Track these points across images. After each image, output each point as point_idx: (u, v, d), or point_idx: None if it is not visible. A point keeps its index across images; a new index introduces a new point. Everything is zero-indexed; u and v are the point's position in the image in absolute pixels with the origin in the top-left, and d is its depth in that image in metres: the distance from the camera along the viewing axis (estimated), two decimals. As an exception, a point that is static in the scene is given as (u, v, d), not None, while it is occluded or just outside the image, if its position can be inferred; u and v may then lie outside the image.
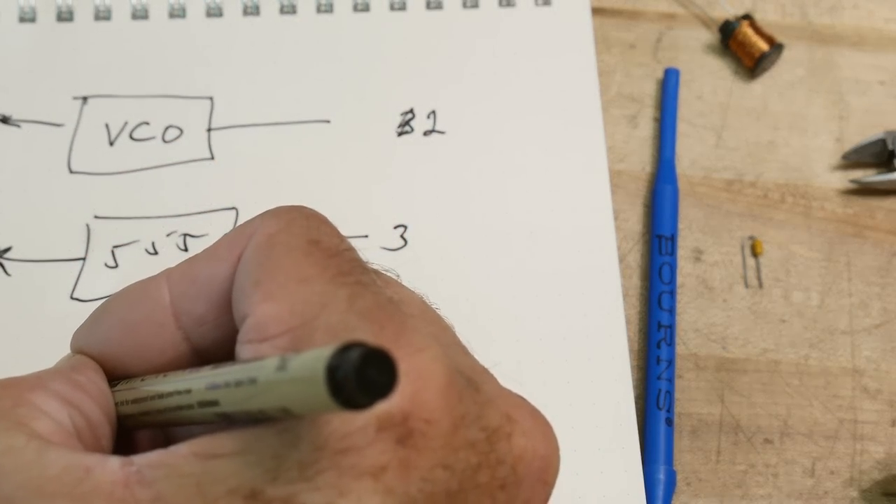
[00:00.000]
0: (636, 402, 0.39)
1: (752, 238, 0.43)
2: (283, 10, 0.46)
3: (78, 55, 0.45)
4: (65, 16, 0.46)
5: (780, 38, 0.47)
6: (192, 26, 0.46)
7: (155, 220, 0.41)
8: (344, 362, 0.19)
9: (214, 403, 0.23)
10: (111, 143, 0.43)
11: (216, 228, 0.41)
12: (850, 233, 0.44)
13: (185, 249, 0.41)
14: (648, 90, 0.46)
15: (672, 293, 0.41)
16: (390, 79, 0.45)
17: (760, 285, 0.42)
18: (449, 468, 0.23)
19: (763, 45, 0.46)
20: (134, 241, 0.41)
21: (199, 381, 0.24)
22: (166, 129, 0.43)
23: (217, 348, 0.27)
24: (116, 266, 0.40)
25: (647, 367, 0.40)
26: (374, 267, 0.27)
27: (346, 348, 0.19)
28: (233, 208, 0.42)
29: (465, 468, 0.23)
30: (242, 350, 0.24)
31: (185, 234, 0.41)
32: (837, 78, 0.47)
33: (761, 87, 0.47)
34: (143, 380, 0.27)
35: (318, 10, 0.46)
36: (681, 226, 0.43)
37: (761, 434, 0.40)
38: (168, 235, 0.41)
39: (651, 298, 0.41)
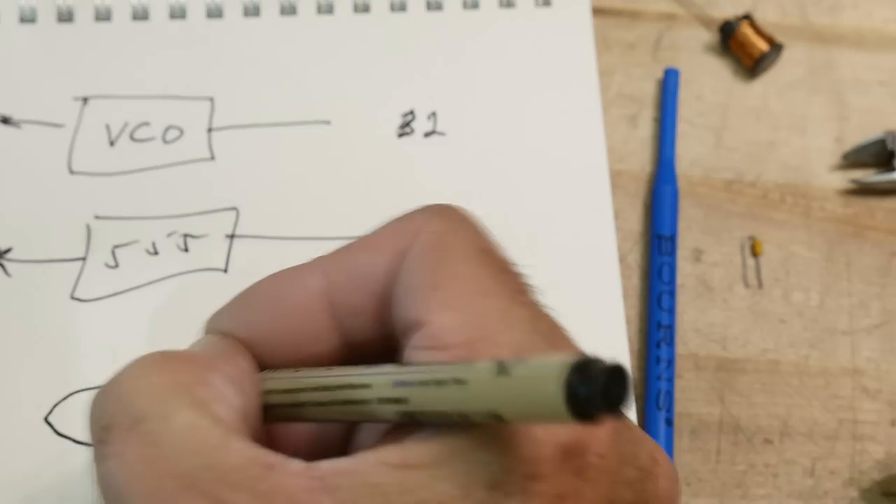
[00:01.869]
0: (636, 403, 0.39)
1: (751, 238, 0.43)
2: (283, 11, 0.46)
3: (78, 55, 0.45)
4: (65, 16, 0.46)
5: (779, 38, 0.47)
6: (192, 27, 0.46)
7: (155, 221, 0.41)
8: (589, 377, 0.19)
9: (401, 401, 0.23)
10: (111, 144, 0.43)
11: (216, 228, 0.41)
12: (850, 233, 0.44)
13: (186, 250, 0.41)
14: (648, 90, 0.46)
15: (672, 293, 0.41)
16: (390, 80, 0.45)
17: (760, 285, 0.42)
18: (612, 502, 0.23)
19: (763, 46, 0.46)
20: (134, 242, 0.41)
21: (381, 377, 0.23)
22: (167, 129, 0.44)
23: (367, 343, 0.26)
24: (117, 266, 0.40)
25: (646, 367, 0.40)
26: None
27: (588, 362, 0.19)
28: (233, 208, 0.42)
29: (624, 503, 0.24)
30: (416, 356, 0.24)
31: (185, 235, 0.41)
32: (837, 78, 0.47)
33: (761, 87, 0.47)
34: (297, 371, 0.26)
35: (318, 10, 0.47)
36: (680, 226, 0.43)
37: (761, 434, 0.40)
38: (168, 235, 0.41)
39: (651, 298, 0.41)
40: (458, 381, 0.21)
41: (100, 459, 0.23)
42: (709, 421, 0.40)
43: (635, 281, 0.42)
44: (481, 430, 0.22)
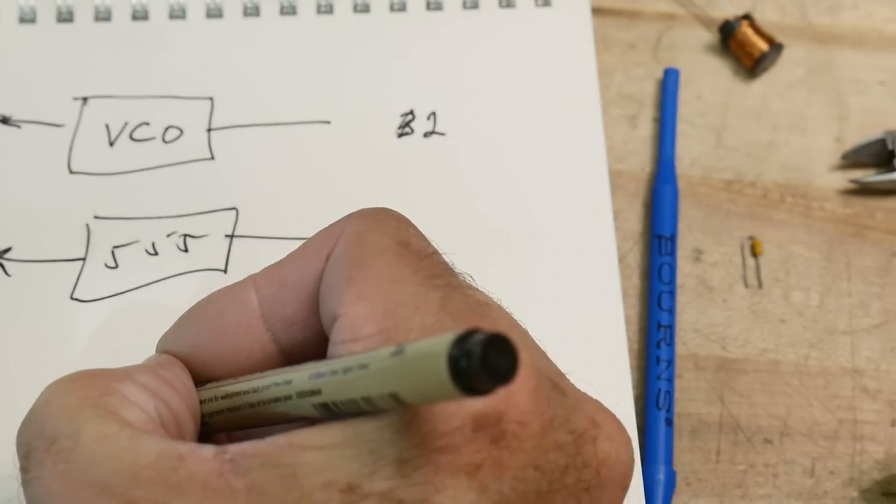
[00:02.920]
0: (636, 402, 0.39)
1: (751, 238, 0.43)
2: (283, 11, 0.46)
3: (78, 55, 0.45)
4: (65, 16, 0.46)
5: (779, 38, 0.47)
6: (192, 27, 0.46)
7: (155, 221, 0.41)
8: (467, 348, 0.19)
9: (315, 393, 0.23)
10: (111, 144, 0.43)
11: (216, 228, 0.41)
12: (850, 233, 0.44)
13: (185, 250, 0.41)
14: (648, 90, 0.46)
15: (672, 293, 0.41)
16: (390, 80, 0.45)
17: (760, 285, 0.42)
18: (539, 469, 0.23)
19: (763, 45, 0.46)
20: (134, 242, 0.41)
21: (301, 372, 0.24)
22: (166, 129, 0.44)
23: (304, 348, 0.27)
24: (116, 266, 0.40)
25: (646, 367, 0.40)
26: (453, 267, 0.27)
27: (466, 335, 0.19)
28: (233, 208, 0.42)
29: (554, 469, 0.24)
30: (337, 349, 0.24)
31: (185, 235, 0.41)
32: (837, 78, 0.47)
33: (761, 87, 0.47)
34: (234, 379, 0.27)
35: (318, 10, 0.47)
36: (680, 226, 0.43)
37: (761, 434, 0.40)
38: (168, 236, 0.41)
39: (651, 298, 0.41)
40: (360, 367, 0.22)
41: (25, 485, 0.25)
42: (709, 421, 0.40)
43: (635, 281, 0.42)
44: (391, 413, 0.23)
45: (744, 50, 0.46)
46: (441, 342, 0.19)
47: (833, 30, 0.48)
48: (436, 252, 0.27)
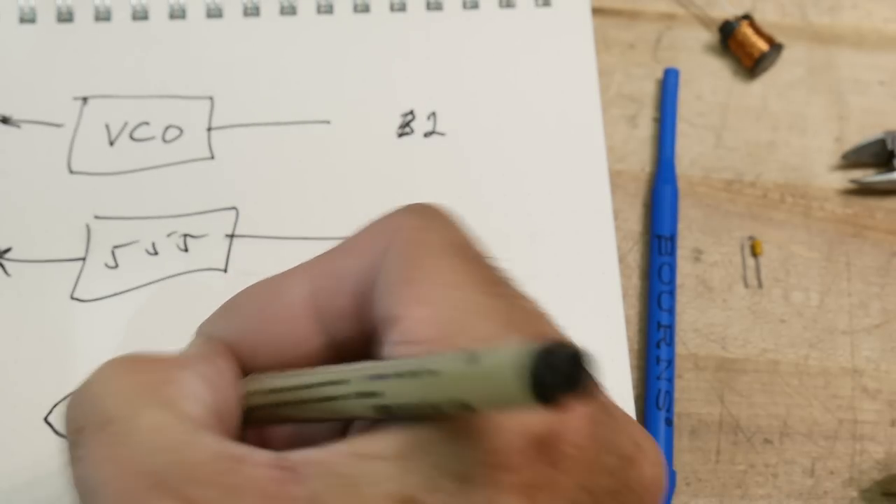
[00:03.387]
0: (636, 402, 0.39)
1: (751, 238, 0.43)
2: (282, 11, 0.46)
3: (78, 55, 0.45)
4: (65, 16, 0.46)
5: (779, 38, 0.47)
6: (192, 27, 0.46)
7: (155, 220, 0.41)
8: (552, 363, 0.19)
9: (376, 395, 0.23)
10: (111, 144, 0.43)
11: (216, 228, 0.41)
12: (850, 233, 0.44)
13: (185, 250, 0.41)
14: (648, 90, 0.46)
15: (672, 293, 0.41)
16: (390, 80, 0.45)
17: (760, 285, 0.42)
18: (591, 492, 0.23)
19: (762, 45, 0.46)
20: (134, 242, 0.41)
21: (358, 372, 0.24)
22: (166, 128, 0.44)
23: (353, 342, 0.27)
24: (116, 266, 0.40)
25: (646, 367, 0.40)
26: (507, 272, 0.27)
27: (551, 349, 0.19)
28: (233, 208, 0.42)
29: (603, 493, 0.24)
30: (394, 350, 0.24)
31: (185, 235, 0.41)
32: (837, 78, 0.47)
33: (761, 87, 0.47)
34: (282, 373, 0.26)
35: (318, 10, 0.47)
36: (680, 226, 0.43)
37: (761, 434, 0.40)
38: (168, 235, 0.41)
39: (650, 298, 0.41)
40: (429, 372, 0.21)
41: (72, 462, 0.24)
42: (709, 421, 0.40)
43: (635, 281, 0.42)
44: (452, 423, 0.22)
45: (744, 50, 0.46)
46: (521, 353, 0.19)
47: (833, 30, 0.48)
48: (490, 256, 0.26)
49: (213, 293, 0.40)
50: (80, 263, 0.40)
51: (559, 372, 0.19)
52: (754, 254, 0.43)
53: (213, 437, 0.23)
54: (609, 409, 0.25)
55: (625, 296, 0.41)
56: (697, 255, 0.43)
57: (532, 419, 0.22)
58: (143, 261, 0.40)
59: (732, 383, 0.40)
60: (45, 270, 0.40)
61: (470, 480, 0.22)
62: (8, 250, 0.40)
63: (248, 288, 0.28)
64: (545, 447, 0.23)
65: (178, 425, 0.23)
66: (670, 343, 0.40)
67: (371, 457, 0.22)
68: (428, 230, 0.26)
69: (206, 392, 0.25)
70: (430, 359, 0.22)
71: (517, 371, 0.19)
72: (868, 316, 0.42)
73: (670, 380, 0.39)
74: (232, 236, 0.41)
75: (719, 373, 0.41)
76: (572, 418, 0.23)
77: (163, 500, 0.22)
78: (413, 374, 0.22)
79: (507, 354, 0.20)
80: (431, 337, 0.24)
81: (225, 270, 0.40)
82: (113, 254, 0.41)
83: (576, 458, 0.23)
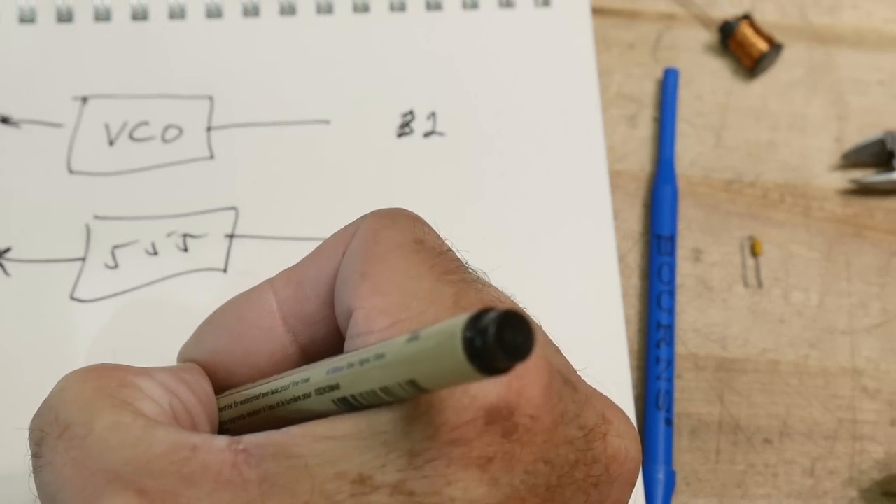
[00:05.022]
0: (635, 402, 0.39)
1: (751, 238, 0.43)
2: (282, 11, 0.46)
3: (78, 55, 0.45)
4: (65, 16, 0.46)
5: (779, 38, 0.47)
6: (192, 27, 0.46)
7: (155, 220, 0.41)
8: (481, 326, 0.19)
9: (334, 388, 0.23)
10: (111, 143, 0.43)
11: (216, 228, 0.41)
12: (850, 233, 0.44)
13: (185, 249, 0.41)
14: (648, 90, 0.46)
15: (671, 293, 0.41)
16: (390, 80, 0.45)
17: (760, 285, 0.42)
18: (549, 463, 0.24)
19: (762, 45, 0.46)
20: (134, 242, 0.41)
21: (318, 368, 0.24)
22: (166, 128, 0.44)
23: (325, 347, 0.27)
24: (116, 266, 0.40)
25: (646, 367, 0.40)
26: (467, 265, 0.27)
27: (479, 314, 0.19)
28: (233, 208, 0.42)
29: (564, 464, 0.24)
30: (353, 343, 0.25)
31: (185, 235, 0.41)
32: (837, 78, 0.47)
33: (761, 87, 0.47)
34: (253, 383, 0.27)
35: (318, 10, 0.47)
36: (680, 226, 0.43)
37: (761, 434, 0.40)
38: (168, 235, 0.41)
39: (650, 298, 0.41)
40: (377, 357, 0.22)
41: (36, 471, 0.25)
42: (708, 421, 0.40)
43: (635, 281, 0.42)
44: (405, 405, 0.23)
45: (743, 50, 0.46)
46: (455, 323, 0.19)
47: (833, 30, 0.48)
48: (450, 249, 0.27)
49: (213, 293, 0.40)
50: (79, 263, 0.40)
51: (489, 336, 0.19)
52: (754, 254, 0.43)
53: (169, 430, 0.24)
54: (571, 382, 0.25)
55: (625, 296, 0.41)
56: (697, 255, 0.43)
57: (483, 392, 0.23)
58: (143, 261, 0.40)
59: (732, 383, 0.40)
60: (45, 270, 0.40)
61: (421, 455, 0.22)
62: (8, 250, 0.40)
63: (217, 309, 0.29)
64: (498, 419, 0.23)
65: (132, 423, 0.24)
66: (670, 343, 0.40)
67: (322, 437, 0.23)
68: (385, 228, 0.26)
69: (163, 395, 0.26)
70: (378, 345, 0.22)
71: (452, 342, 0.19)
72: (868, 316, 0.42)
73: (670, 380, 0.39)
74: (232, 236, 0.41)
75: (719, 373, 0.41)
76: (526, 389, 0.23)
77: (119, 494, 0.22)
78: (363, 362, 0.22)
79: (444, 327, 0.20)
80: (385, 325, 0.24)
81: (225, 270, 0.41)
82: (113, 254, 0.41)
83: (531, 430, 0.23)
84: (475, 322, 0.19)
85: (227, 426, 0.28)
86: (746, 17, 0.47)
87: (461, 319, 0.19)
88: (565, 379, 0.25)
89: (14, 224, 0.41)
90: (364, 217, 0.27)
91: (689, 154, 0.45)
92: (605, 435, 0.25)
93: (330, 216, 0.42)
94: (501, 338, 0.19)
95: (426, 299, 0.24)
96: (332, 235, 0.28)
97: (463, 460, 0.22)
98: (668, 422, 0.39)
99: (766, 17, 0.48)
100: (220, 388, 0.28)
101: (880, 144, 0.45)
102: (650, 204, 0.43)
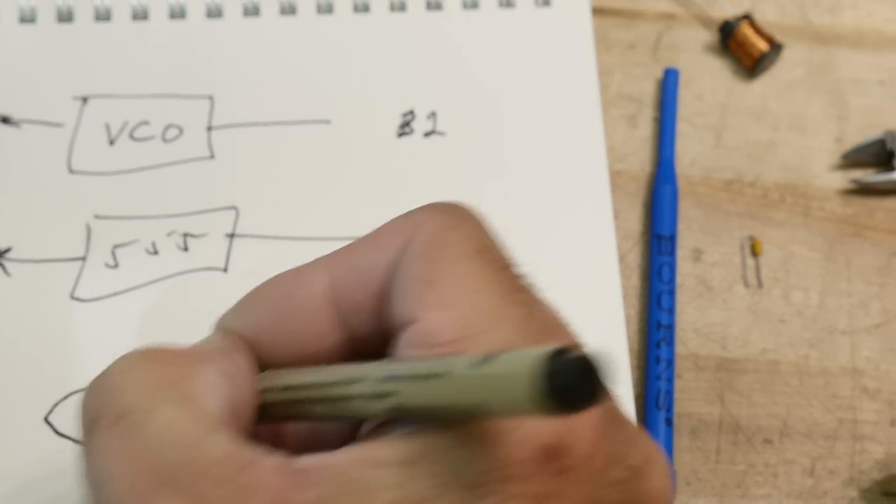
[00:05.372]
0: (635, 402, 0.39)
1: (751, 238, 0.43)
2: (282, 11, 0.46)
3: (78, 55, 0.45)
4: (65, 16, 0.46)
5: (779, 38, 0.47)
6: (192, 27, 0.46)
7: (155, 220, 0.41)
8: (563, 366, 0.19)
9: (389, 396, 0.23)
10: (111, 143, 0.43)
11: (216, 228, 0.41)
12: (850, 233, 0.44)
13: (186, 249, 0.41)
14: (648, 90, 0.46)
15: (671, 293, 0.41)
16: (390, 79, 0.45)
17: (760, 285, 0.42)
18: (597, 503, 0.23)
19: (762, 45, 0.46)
20: (134, 241, 0.41)
21: (373, 371, 0.23)
22: (166, 128, 0.44)
23: (372, 338, 0.27)
24: (116, 266, 0.40)
25: (646, 367, 0.40)
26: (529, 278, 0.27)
27: (561, 352, 0.19)
28: (233, 207, 0.42)
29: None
30: (410, 352, 0.24)
31: (185, 234, 0.41)
32: (837, 78, 0.47)
33: (761, 87, 0.47)
34: (297, 370, 0.26)
35: (318, 10, 0.47)
36: (680, 226, 0.43)
37: (761, 434, 0.40)
38: (168, 235, 0.41)
39: (650, 298, 0.41)
40: (443, 374, 0.21)
41: (86, 452, 0.24)
42: (709, 421, 0.40)
43: (635, 281, 0.42)
44: (462, 430, 0.22)
45: (744, 50, 0.46)
46: (531, 357, 0.19)
47: (833, 30, 0.48)
48: (513, 260, 0.26)
49: (214, 293, 0.40)
50: (80, 263, 0.40)
51: (574, 379, 0.19)
52: (754, 254, 0.43)
53: (227, 437, 0.23)
54: (619, 421, 0.25)
55: (625, 296, 0.41)
56: (697, 255, 0.43)
57: (541, 428, 0.22)
58: (144, 260, 0.40)
59: (732, 383, 0.40)
60: (46, 270, 0.40)
61: (477, 488, 0.22)
62: (8, 250, 0.40)
63: (267, 281, 0.28)
64: (554, 457, 0.22)
65: (193, 422, 0.23)
66: (670, 343, 0.40)
67: (378, 463, 0.22)
68: (451, 230, 0.25)
69: (225, 388, 0.25)
70: (445, 360, 0.22)
71: (531, 376, 0.19)
72: (868, 316, 0.42)
73: (670, 380, 0.39)
74: (232, 236, 0.41)
75: (719, 373, 0.41)
76: (581, 428, 0.23)
77: (170, 498, 0.22)
78: (427, 376, 0.22)
79: (521, 358, 0.19)
80: (448, 340, 0.23)
81: (225, 270, 0.41)
82: (113, 253, 0.41)
83: (584, 469, 0.23)
84: (557, 359, 0.19)
85: (261, 411, 0.27)
86: (746, 17, 0.47)
87: (542, 353, 0.19)
88: (613, 416, 0.25)
89: (14, 224, 0.41)
90: (424, 211, 0.26)
91: (689, 154, 0.45)
92: (650, 476, 0.25)
93: (330, 216, 0.42)
94: (583, 381, 0.19)
95: (493, 318, 0.24)
96: (388, 224, 0.27)
97: (519, 497, 0.22)
98: (668, 422, 0.39)
99: (766, 17, 0.48)
100: (262, 363, 0.27)
101: (880, 144, 0.45)
102: (650, 204, 0.43)
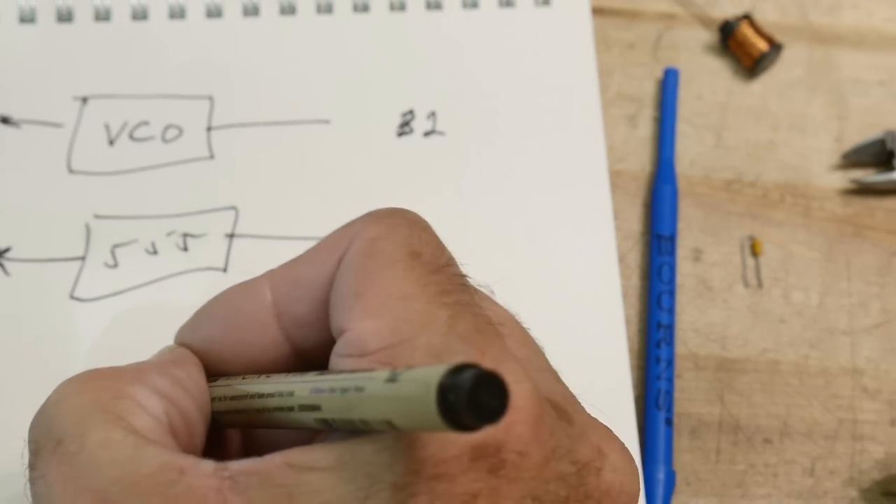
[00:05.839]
0: (636, 402, 0.39)
1: (751, 238, 0.43)
2: (282, 11, 0.46)
3: (78, 55, 0.45)
4: (65, 16, 0.46)
5: (779, 37, 0.47)
6: (192, 26, 0.46)
7: (155, 220, 0.41)
8: (456, 383, 0.19)
9: (316, 408, 0.23)
10: (111, 143, 0.43)
11: (216, 228, 0.41)
12: (850, 233, 0.44)
13: (185, 249, 0.41)
14: (648, 90, 0.46)
15: (671, 293, 0.41)
16: (390, 79, 0.45)
17: (760, 285, 0.42)
18: (538, 500, 0.23)
19: (762, 45, 0.46)
20: (134, 241, 0.41)
21: (302, 385, 0.24)
22: (166, 128, 0.44)
23: (317, 349, 0.27)
24: (116, 265, 0.40)
25: (646, 367, 0.40)
26: (471, 282, 0.27)
27: (458, 369, 0.19)
28: (233, 208, 0.42)
29: (554, 500, 0.24)
30: (340, 363, 0.24)
31: (185, 234, 0.41)
32: (837, 78, 0.47)
33: (761, 87, 0.47)
34: (244, 378, 0.27)
35: (318, 10, 0.47)
36: (680, 226, 0.43)
37: (761, 434, 0.40)
38: (168, 235, 0.41)
39: (650, 298, 0.41)
40: (356, 389, 0.22)
41: (30, 482, 0.25)
42: (709, 421, 0.40)
43: (635, 281, 0.42)
44: (389, 436, 0.22)
45: (744, 50, 0.46)
46: (432, 374, 0.19)
47: (833, 30, 0.48)
48: (449, 263, 0.26)
49: (213, 293, 0.40)
50: (79, 263, 0.40)
51: (464, 396, 0.19)
52: (754, 254, 0.43)
53: (158, 450, 0.24)
54: (568, 414, 0.25)
55: (625, 296, 0.41)
56: (697, 254, 0.43)
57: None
58: (143, 260, 0.40)
59: (732, 383, 0.40)
60: (45, 270, 0.40)
61: (405, 489, 0.22)
62: (8, 250, 0.40)
63: (218, 294, 0.29)
64: (484, 455, 0.23)
65: (123, 441, 0.24)
66: (670, 343, 0.40)
67: (307, 467, 0.23)
68: (382, 238, 0.26)
69: (157, 404, 0.25)
70: (359, 376, 0.22)
71: (427, 392, 0.19)
72: (868, 316, 0.42)
73: (670, 380, 0.39)
74: (232, 236, 0.41)
75: (719, 373, 0.41)
76: (515, 425, 0.23)
77: None
78: (344, 391, 0.22)
79: (420, 375, 0.20)
80: (376, 348, 0.24)
81: (225, 270, 0.40)
82: (113, 253, 0.41)
83: (519, 466, 0.23)
84: (452, 377, 0.19)
85: (217, 417, 0.28)
86: (746, 17, 0.47)
87: (438, 371, 0.19)
88: (561, 411, 0.25)
89: (14, 224, 0.41)
90: (361, 221, 0.27)
91: (689, 154, 0.45)
92: (600, 470, 0.25)
93: (330, 216, 0.42)
94: (475, 398, 0.19)
95: (419, 323, 0.24)
96: (329, 236, 0.27)
97: (447, 496, 0.22)
98: (669, 422, 0.39)
99: (766, 17, 0.48)
100: (214, 373, 0.28)
101: (880, 144, 0.45)
102: (650, 204, 0.43)
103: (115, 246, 0.41)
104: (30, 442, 0.25)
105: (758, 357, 0.41)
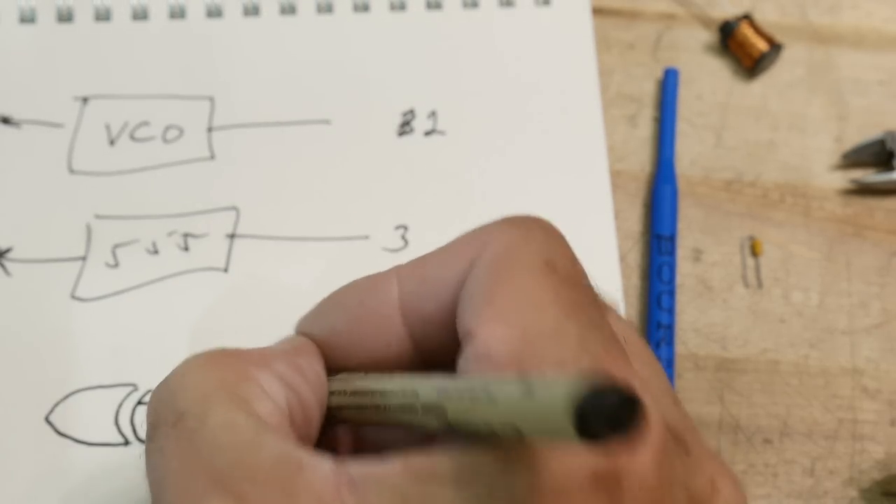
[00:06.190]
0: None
1: (751, 238, 0.43)
2: (282, 11, 0.46)
3: (78, 55, 0.45)
4: (65, 16, 0.46)
5: (779, 37, 0.47)
6: (192, 26, 0.46)
7: (155, 220, 0.41)
8: (596, 400, 0.19)
9: (440, 409, 0.23)
10: (111, 143, 0.43)
11: (216, 228, 0.41)
12: (850, 233, 0.44)
13: (186, 249, 0.41)
14: (648, 90, 0.46)
15: (671, 293, 0.41)
16: (390, 79, 0.45)
17: (760, 285, 0.42)
18: None
19: (762, 45, 0.46)
20: (134, 241, 0.41)
21: (429, 386, 0.24)
22: (166, 128, 0.44)
23: (438, 349, 0.27)
24: (117, 265, 0.40)
25: (646, 367, 0.40)
26: (598, 294, 0.26)
27: (597, 385, 0.19)
28: (233, 208, 0.42)
29: None
30: (468, 366, 0.24)
31: (185, 234, 0.41)
32: (837, 78, 0.47)
33: (761, 87, 0.47)
34: (365, 374, 0.27)
35: (318, 10, 0.47)
36: (680, 226, 0.43)
37: (761, 434, 0.40)
38: (169, 235, 0.41)
39: (650, 298, 0.41)
40: (487, 395, 0.21)
41: (147, 453, 0.25)
42: (709, 421, 0.40)
43: (635, 281, 0.42)
44: (510, 449, 0.22)
45: (743, 50, 0.46)
46: (570, 387, 0.19)
47: (833, 30, 0.48)
48: (583, 275, 0.26)
49: (214, 293, 0.40)
50: (80, 263, 0.40)
51: (604, 414, 0.19)
52: (754, 254, 0.43)
53: (279, 440, 0.23)
54: (686, 443, 0.25)
55: (625, 296, 0.41)
56: (697, 254, 0.43)
57: (592, 453, 0.22)
58: (144, 260, 0.40)
59: (732, 383, 0.40)
60: (46, 270, 0.40)
61: None
62: (8, 250, 0.40)
63: (343, 286, 0.28)
64: (606, 482, 0.22)
65: (246, 425, 0.23)
66: (670, 343, 0.40)
67: (427, 477, 0.22)
68: (518, 245, 0.25)
69: (280, 391, 0.25)
70: (490, 382, 0.22)
71: (564, 408, 0.19)
72: (868, 316, 0.42)
73: (670, 379, 0.39)
74: (232, 236, 0.41)
75: (719, 373, 0.41)
76: (639, 455, 0.23)
77: (220, 497, 0.22)
78: (473, 395, 0.22)
79: (557, 389, 0.19)
80: (503, 356, 0.23)
81: (225, 270, 0.41)
82: (113, 253, 0.41)
83: (638, 497, 0.23)
84: (590, 393, 0.19)
85: (335, 412, 0.27)
86: (746, 17, 0.47)
87: (577, 385, 0.19)
88: (679, 439, 0.24)
89: (15, 224, 0.41)
90: (496, 224, 0.26)
91: (689, 154, 0.45)
92: (716, 499, 0.25)
93: (330, 216, 0.42)
94: (613, 417, 0.19)
95: (549, 336, 0.23)
96: (460, 237, 0.27)
97: None
98: (669, 421, 0.39)
99: (766, 17, 0.48)
100: (334, 366, 0.28)
101: (880, 144, 0.45)
102: (650, 204, 0.43)
103: (116, 246, 0.41)
104: (149, 413, 0.25)
105: (758, 357, 0.41)
